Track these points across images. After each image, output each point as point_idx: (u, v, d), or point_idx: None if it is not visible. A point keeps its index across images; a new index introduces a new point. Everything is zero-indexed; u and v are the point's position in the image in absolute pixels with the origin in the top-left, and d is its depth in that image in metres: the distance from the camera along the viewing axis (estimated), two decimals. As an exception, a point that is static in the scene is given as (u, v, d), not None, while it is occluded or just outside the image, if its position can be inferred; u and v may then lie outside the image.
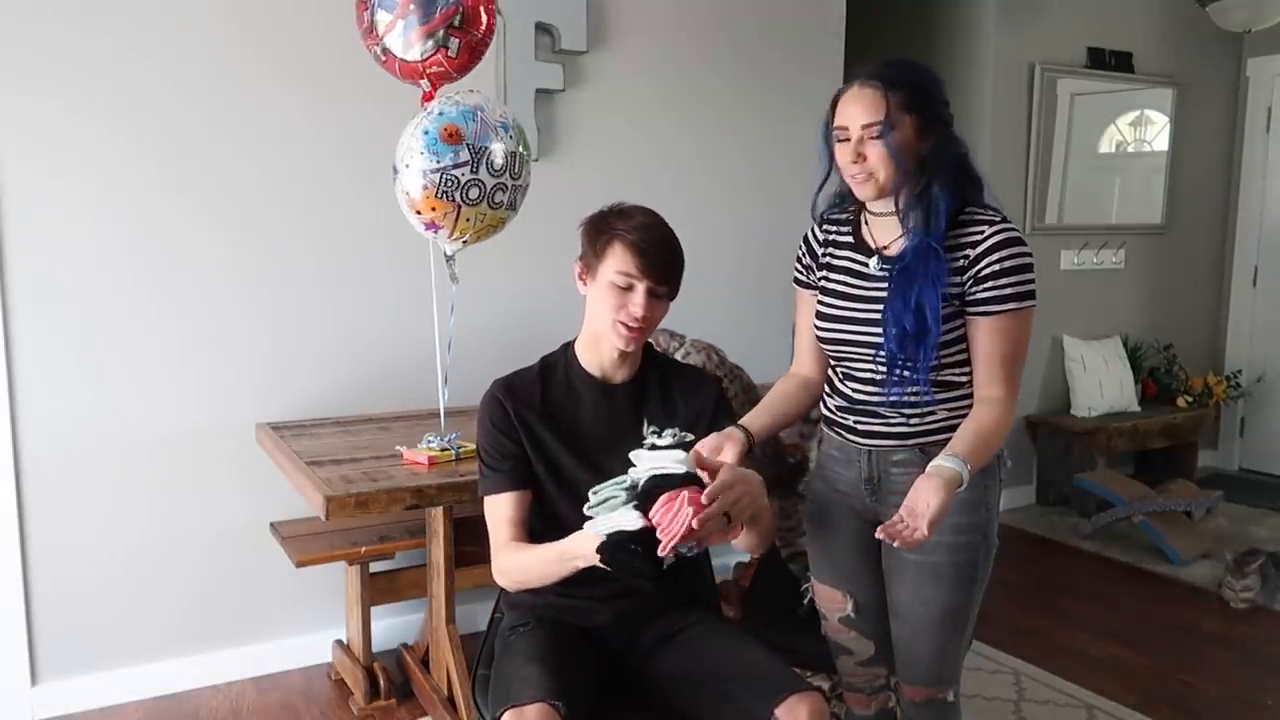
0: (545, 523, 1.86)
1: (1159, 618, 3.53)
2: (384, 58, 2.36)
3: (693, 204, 3.61)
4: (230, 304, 2.93)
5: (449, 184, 2.29)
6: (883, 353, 1.72)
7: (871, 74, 1.67)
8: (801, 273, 1.92)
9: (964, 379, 1.76)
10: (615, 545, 1.46)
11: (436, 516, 2.54)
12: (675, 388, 1.91)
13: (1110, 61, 4.82)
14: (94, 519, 2.81)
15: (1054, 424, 4.72)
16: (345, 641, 3.06)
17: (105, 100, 2.73)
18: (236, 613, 3.02)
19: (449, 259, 2.47)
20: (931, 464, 1.62)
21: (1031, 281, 1.68)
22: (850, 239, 1.82)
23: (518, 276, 3.33)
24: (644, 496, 1.48)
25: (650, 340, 1.94)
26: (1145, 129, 5.02)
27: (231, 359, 2.94)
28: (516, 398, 1.85)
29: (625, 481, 1.54)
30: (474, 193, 2.31)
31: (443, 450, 2.47)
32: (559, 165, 3.37)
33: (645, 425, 1.85)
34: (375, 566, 2.93)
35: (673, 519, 1.43)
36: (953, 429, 1.75)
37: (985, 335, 1.70)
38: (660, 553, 1.44)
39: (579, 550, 1.61)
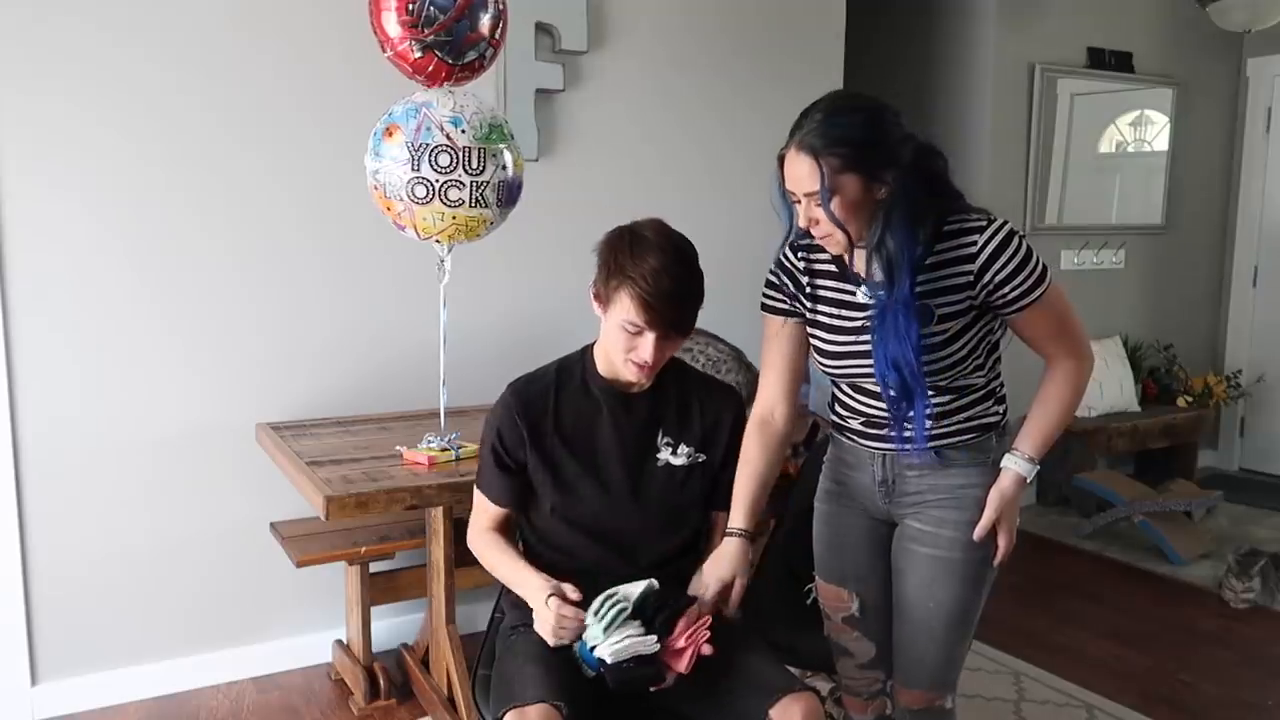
0: (542, 521, 1.87)
1: (1159, 618, 3.53)
2: (419, 56, 2.27)
3: (692, 203, 3.60)
4: (230, 304, 2.93)
5: (394, 183, 2.29)
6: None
7: (804, 137, 1.60)
8: (780, 300, 1.85)
9: (980, 380, 1.76)
10: (622, 670, 1.63)
11: (436, 516, 2.54)
12: (694, 397, 1.91)
13: (1110, 61, 4.82)
14: (94, 519, 2.81)
15: (1054, 424, 4.71)
16: (345, 641, 3.06)
17: (106, 100, 2.73)
18: (236, 613, 3.02)
19: (440, 260, 2.47)
20: (1004, 466, 1.76)
21: (1039, 265, 1.68)
22: (832, 266, 1.78)
23: (518, 276, 3.33)
24: (662, 627, 1.66)
25: None
26: (1145, 129, 5.02)
27: (232, 359, 2.94)
28: (530, 408, 1.84)
29: (621, 602, 1.65)
30: (421, 191, 2.28)
31: (443, 450, 2.47)
32: (559, 165, 3.37)
33: (660, 437, 1.85)
34: (375, 566, 2.93)
35: (691, 636, 1.65)
36: (969, 430, 1.76)
37: (1029, 325, 1.72)
38: (685, 670, 1.65)
39: (529, 597, 1.75)
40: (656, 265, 1.70)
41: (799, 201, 1.65)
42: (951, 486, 1.77)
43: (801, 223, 1.67)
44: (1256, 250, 5.34)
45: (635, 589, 1.67)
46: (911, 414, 1.71)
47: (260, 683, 3.01)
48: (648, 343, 1.73)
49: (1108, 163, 4.98)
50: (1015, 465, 1.75)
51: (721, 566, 1.81)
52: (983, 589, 1.80)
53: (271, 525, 2.96)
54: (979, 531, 1.75)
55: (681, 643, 1.64)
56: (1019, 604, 3.56)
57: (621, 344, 1.75)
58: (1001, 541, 1.77)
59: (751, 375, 2.61)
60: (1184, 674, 3.09)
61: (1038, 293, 1.67)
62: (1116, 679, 3.03)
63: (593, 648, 1.65)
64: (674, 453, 1.86)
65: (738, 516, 1.84)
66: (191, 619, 2.97)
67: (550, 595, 1.69)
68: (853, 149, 1.58)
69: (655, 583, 1.70)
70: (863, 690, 1.94)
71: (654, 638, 1.63)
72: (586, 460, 1.84)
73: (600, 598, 1.66)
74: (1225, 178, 5.40)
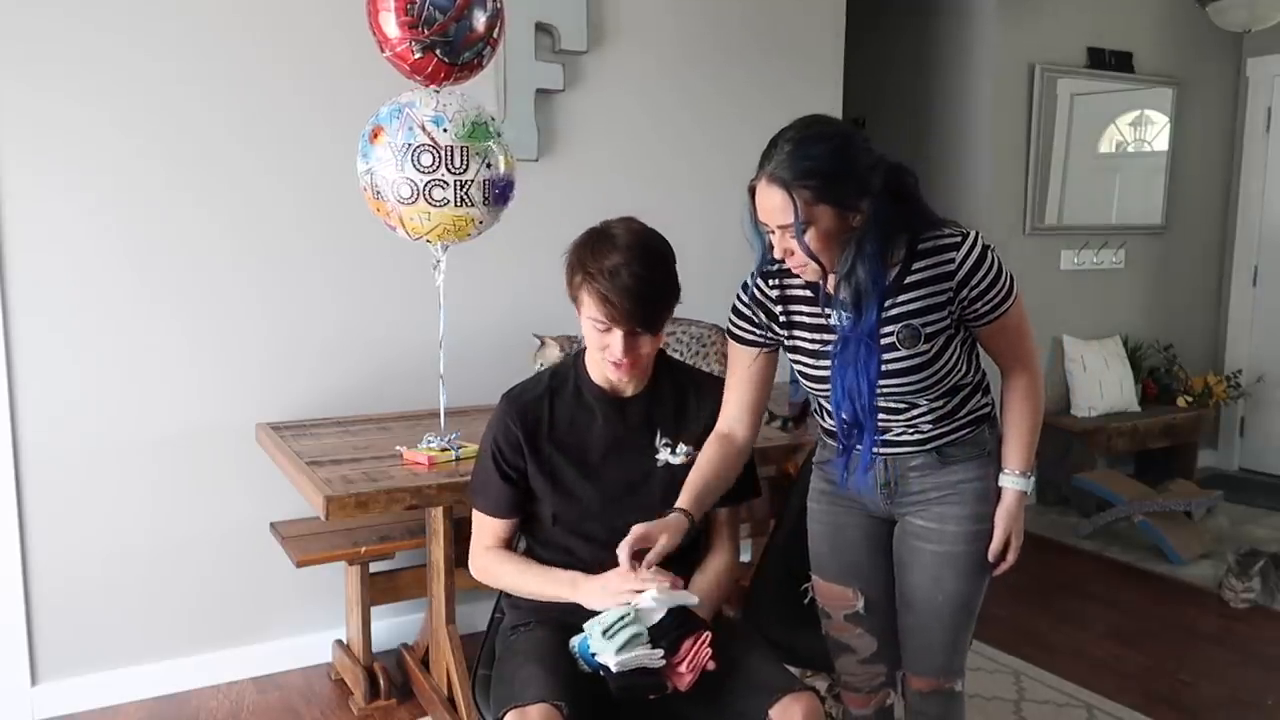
0: (545, 530, 1.88)
1: (1159, 618, 3.53)
2: (419, 56, 2.27)
3: (695, 203, 3.61)
4: (232, 303, 2.93)
5: (380, 184, 2.30)
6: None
7: (775, 169, 1.59)
8: (749, 331, 1.82)
9: (970, 379, 1.80)
10: (625, 676, 1.63)
11: (436, 516, 2.54)
12: (689, 395, 1.91)
13: (1110, 61, 4.82)
14: (94, 519, 2.81)
15: (1054, 424, 4.70)
16: (345, 641, 3.06)
17: (107, 96, 2.73)
18: (237, 613, 3.02)
19: (436, 261, 2.48)
20: (1003, 488, 1.79)
21: (1009, 276, 1.71)
22: (805, 291, 1.77)
23: (519, 277, 3.33)
24: (669, 645, 1.65)
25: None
26: (1145, 129, 5.02)
27: (232, 359, 2.94)
28: (525, 415, 1.85)
29: (635, 626, 1.64)
30: (406, 191, 2.28)
31: (443, 450, 2.47)
32: (559, 165, 3.37)
33: (658, 437, 1.86)
34: (375, 566, 2.93)
35: (694, 658, 1.65)
36: (967, 425, 1.79)
37: (994, 337, 1.75)
38: (683, 688, 1.65)
39: (570, 595, 1.76)
40: (618, 261, 1.70)
41: (773, 232, 1.65)
42: (952, 482, 1.79)
43: (777, 253, 1.67)
44: (1256, 250, 5.34)
45: (653, 616, 1.67)
46: (859, 445, 1.75)
47: (260, 683, 3.01)
48: (616, 340, 1.73)
49: (1108, 163, 4.98)
50: (1014, 484, 1.80)
51: (653, 525, 1.70)
52: (984, 578, 1.84)
53: (271, 525, 2.96)
54: (993, 552, 1.80)
55: (684, 668, 1.65)
56: (1019, 604, 3.56)
57: (595, 342, 1.77)
58: (1010, 556, 1.82)
59: None
60: (1184, 674, 3.08)
61: (1007, 304, 1.71)
62: (1116, 679, 3.03)
63: (594, 653, 1.66)
64: (673, 452, 1.87)
65: (684, 498, 1.77)
66: (192, 619, 2.97)
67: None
68: (823, 180, 1.57)
69: (671, 602, 1.69)
70: (864, 685, 1.95)
71: (660, 652, 1.64)
72: (584, 466, 1.84)
73: (616, 615, 1.65)
74: (1225, 178, 5.40)
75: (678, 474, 1.85)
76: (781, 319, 1.81)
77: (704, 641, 1.66)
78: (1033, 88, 4.59)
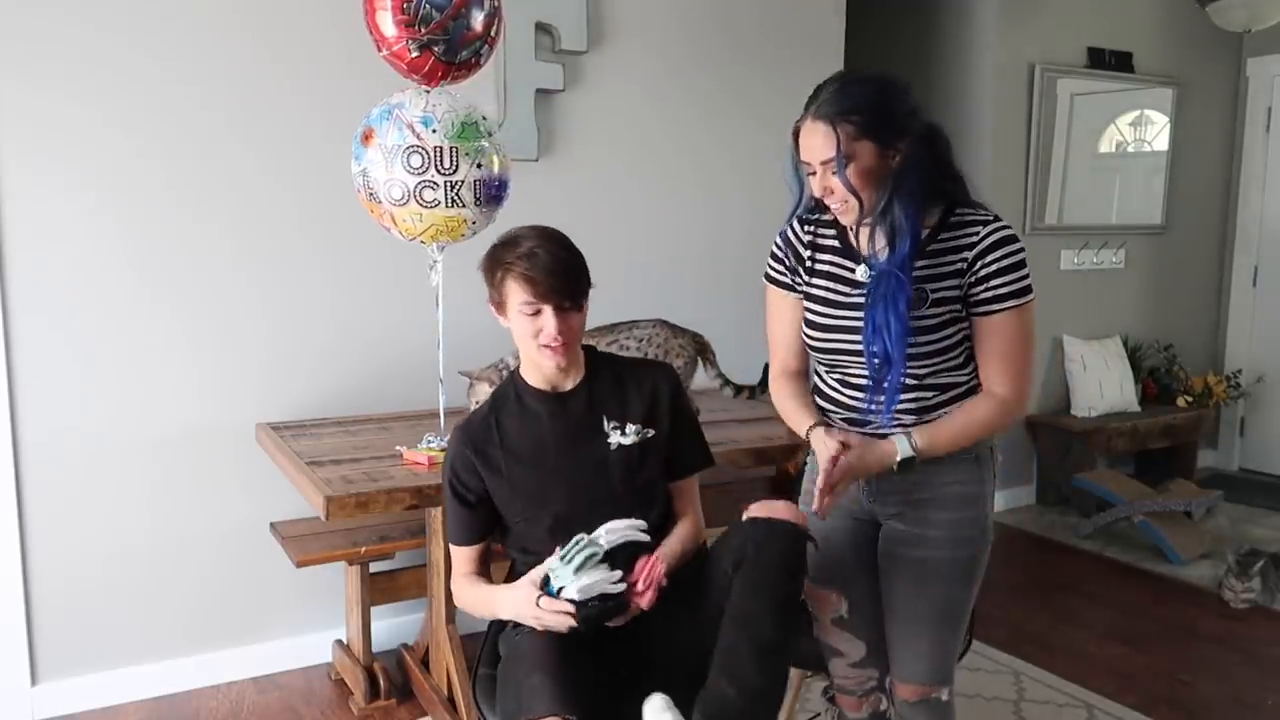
0: (518, 535, 1.92)
1: (1159, 618, 3.53)
2: (416, 55, 2.27)
3: (697, 203, 3.61)
4: (232, 303, 2.93)
5: (373, 185, 2.31)
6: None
7: (819, 107, 1.67)
8: (782, 274, 1.88)
9: (964, 379, 1.78)
10: (589, 606, 1.69)
11: (436, 516, 2.54)
12: (627, 379, 1.97)
13: (1110, 61, 4.82)
14: (94, 519, 2.81)
15: (1054, 424, 4.72)
16: (345, 641, 3.06)
17: (107, 96, 2.73)
18: (237, 613, 3.02)
19: (433, 261, 2.48)
20: (895, 436, 1.73)
21: (1028, 277, 1.71)
22: (836, 242, 1.82)
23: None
24: (623, 564, 1.73)
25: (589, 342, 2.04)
26: (1145, 129, 5.02)
27: (232, 359, 2.95)
28: (474, 437, 1.92)
29: (591, 547, 1.71)
30: (397, 192, 2.29)
31: (442, 450, 2.47)
32: (559, 165, 3.37)
33: (605, 422, 1.91)
34: (375, 566, 2.93)
35: (649, 574, 1.72)
36: None
37: (989, 334, 1.73)
38: (645, 606, 1.72)
39: (506, 608, 1.82)
40: (532, 245, 1.81)
41: (814, 173, 1.69)
42: (935, 484, 1.79)
43: (817, 192, 1.71)
44: (1256, 250, 5.34)
45: (609, 538, 1.73)
46: (887, 383, 1.73)
47: (260, 683, 3.01)
48: (548, 318, 1.81)
49: (1108, 163, 4.98)
50: (899, 443, 1.72)
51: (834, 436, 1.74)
52: (972, 584, 1.82)
53: (271, 525, 2.96)
54: (821, 481, 1.69)
55: (640, 585, 1.71)
56: (1019, 604, 3.56)
57: (529, 331, 1.83)
58: (818, 499, 1.68)
59: (687, 335, 2.71)
60: (1184, 674, 3.09)
61: (1015, 302, 1.70)
62: (1116, 679, 3.03)
63: (559, 589, 1.70)
64: (623, 434, 1.91)
65: (805, 415, 1.85)
66: (191, 619, 2.97)
67: (539, 596, 1.73)
68: (866, 116, 1.64)
69: (625, 537, 1.75)
70: (856, 688, 1.95)
71: (618, 574, 1.70)
72: (542, 466, 1.89)
73: (571, 542, 1.73)
74: (1225, 178, 5.40)
75: (633, 453, 1.91)
76: (808, 263, 1.84)
77: (657, 558, 1.73)
78: (1033, 88, 4.59)
